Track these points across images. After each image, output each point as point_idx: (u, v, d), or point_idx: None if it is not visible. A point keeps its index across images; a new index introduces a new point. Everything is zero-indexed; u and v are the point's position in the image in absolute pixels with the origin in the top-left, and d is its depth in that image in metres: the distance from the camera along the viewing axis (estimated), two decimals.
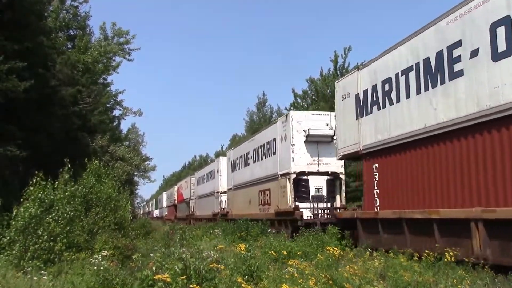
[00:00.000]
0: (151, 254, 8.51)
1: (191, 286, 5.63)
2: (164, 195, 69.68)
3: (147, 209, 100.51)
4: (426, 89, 10.77)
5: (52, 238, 9.11)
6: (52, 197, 9.90)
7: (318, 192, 18.22)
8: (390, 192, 12.20)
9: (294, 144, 18.30)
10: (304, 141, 18.34)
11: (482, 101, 9.10)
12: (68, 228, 9.64)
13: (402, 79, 11.68)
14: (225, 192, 30.51)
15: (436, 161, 10.51)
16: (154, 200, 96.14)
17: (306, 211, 17.51)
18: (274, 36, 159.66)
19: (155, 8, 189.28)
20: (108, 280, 6.12)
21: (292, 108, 33.65)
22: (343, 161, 17.91)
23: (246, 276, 6.53)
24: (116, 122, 39.01)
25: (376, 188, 12.83)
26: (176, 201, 54.66)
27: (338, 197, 18.61)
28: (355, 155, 14.30)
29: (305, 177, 18.28)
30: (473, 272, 8.03)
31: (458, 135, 9.82)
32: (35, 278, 7.22)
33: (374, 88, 13.00)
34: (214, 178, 34.30)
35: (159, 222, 50.77)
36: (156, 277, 5.61)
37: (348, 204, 20.14)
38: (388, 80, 12.33)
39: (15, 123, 15.33)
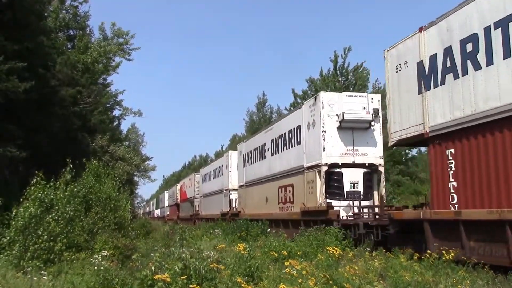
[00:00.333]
0: (151, 254, 8.52)
1: (191, 286, 5.64)
2: (166, 194, 67.63)
3: (147, 208, 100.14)
4: None
5: (52, 238, 9.12)
6: (52, 197, 9.91)
7: (354, 188, 15.41)
8: (477, 185, 9.40)
9: (325, 131, 15.51)
10: (337, 128, 15.56)
11: None
12: (68, 228, 9.65)
13: (497, 33, 8.92)
14: (235, 190, 28.14)
15: None
16: (155, 199, 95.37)
17: (341, 210, 14.85)
18: (274, 36, 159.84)
19: (155, 8, 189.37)
20: (108, 280, 6.13)
21: (292, 108, 33.47)
22: (382, 151, 15.99)
23: (246, 277, 6.53)
24: (116, 122, 39.11)
25: (452, 180, 10.02)
26: (178, 200, 52.37)
27: (376, 193, 15.85)
28: (417, 140, 11.48)
29: (338, 170, 15.50)
30: (473, 272, 8.02)
31: None
32: (35, 278, 7.23)
33: (448, 51, 10.28)
34: (222, 174, 31.69)
35: (160, 222, 50.35)
36: (156, 277, 5.61)
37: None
38: (471, 38, 9.60)
39: (15, 123, 15.32)
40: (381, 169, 15.91)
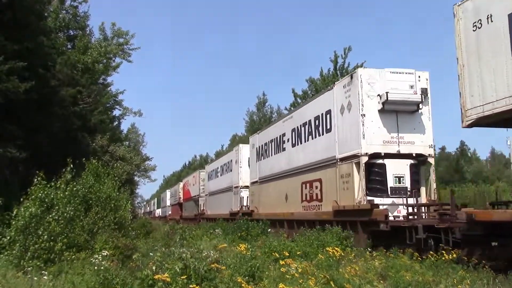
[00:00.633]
0: (151, 254, 8.52)
1: (191, 286, 5.64)
2: (168, 193, 66.04)
3: (148, 208, 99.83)
4: None
5: (52, 238, 9.12)
6: (52, 196, 9.91)
7: (399, 182, 13.00)
8: None
9: (364, 115, 13.12)
10: (379, 111, 13.18)
11: None
12: (68, 228, 9.65)
13: None
14: (246, 187, 25.85)
15: None
16: (156, 198, 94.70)
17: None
18: (274, 36, 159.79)
19: (155, 7, 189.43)
20: (108, 280, 6.13)
21: (291, 108, 33.35)
22: (431, 139, 13.63)
23: (247, 277, 6.54)
24: (116, 122, 39.13)
25: None
26: (181, 199, 50.56)
27: (423, 189, 13.63)
28: (509, 117, 8.79)
29: (380, 161, 13.14)
30: (473, 272, 8.03)
31: None
32: (35, 278, 7.23)
33: None
34: (231, 170, 29.30)
35: (161, 222, 49.20)
36: (156, 277, 5.62)
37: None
38: None
39: (15, 123, 15.32)
40: (431, 160, 13.51)
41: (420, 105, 13.26)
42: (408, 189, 12.79)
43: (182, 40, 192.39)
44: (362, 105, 13.18)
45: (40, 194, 9.62)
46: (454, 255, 8.22)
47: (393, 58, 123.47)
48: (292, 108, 30.99)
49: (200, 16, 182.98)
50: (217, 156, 52.12)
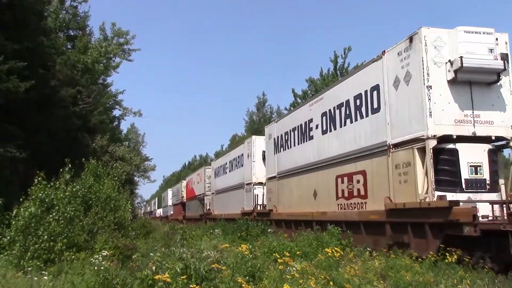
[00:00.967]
0: (151, 254, 8.51)
1: (191, 286, 5.64)
2: (169, 192, 63.26)
3: (148, 208, 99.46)
4: None
5: (52, 238, 9.12)
6: (52, 196, 9.92)
7: (475, 173, 10.08)
8: None
9: (430, 87, 10.21)
10: (449, 81, 10.33)
11: None
12: (68, 228, 9.65)
13: None
14: (261, 184, 23.11)
15: None
16: (156, 198, 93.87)
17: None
18: (274, 36, 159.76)
19: (155, 7, 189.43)
20: (108, 280, 6.13)
21: (291, 107, 33.13)
22: None
23: (248, 277, 6.53)
24: (116, 122, 39.17)
25: None
26: (184, 198, 47.47)
27: (501, 182, 10.57)
28: None
29: (450, 146, 10.19)
30: (473, 272, 8.02)
31: None
32: (35, 278, 7.22)
33: None
34: (243, 165, 26.18)
35: (161, 222, 47.19)
36: (156, 277, 5.61)
37: None
38: None
39: (15, 123, 15.33)
40: None
41: (501, 75, 10.48)
42: (488, 182, 10.06)
43: (182, 40, 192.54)
44: (428, 74, 10.28)
45: (40, 194, 9.62)
46: (455, 256, 8.17)
47: None
48: (292, 108, 29.67)
49: (200, 16, 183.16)
50: (217, 156, 51.71)
